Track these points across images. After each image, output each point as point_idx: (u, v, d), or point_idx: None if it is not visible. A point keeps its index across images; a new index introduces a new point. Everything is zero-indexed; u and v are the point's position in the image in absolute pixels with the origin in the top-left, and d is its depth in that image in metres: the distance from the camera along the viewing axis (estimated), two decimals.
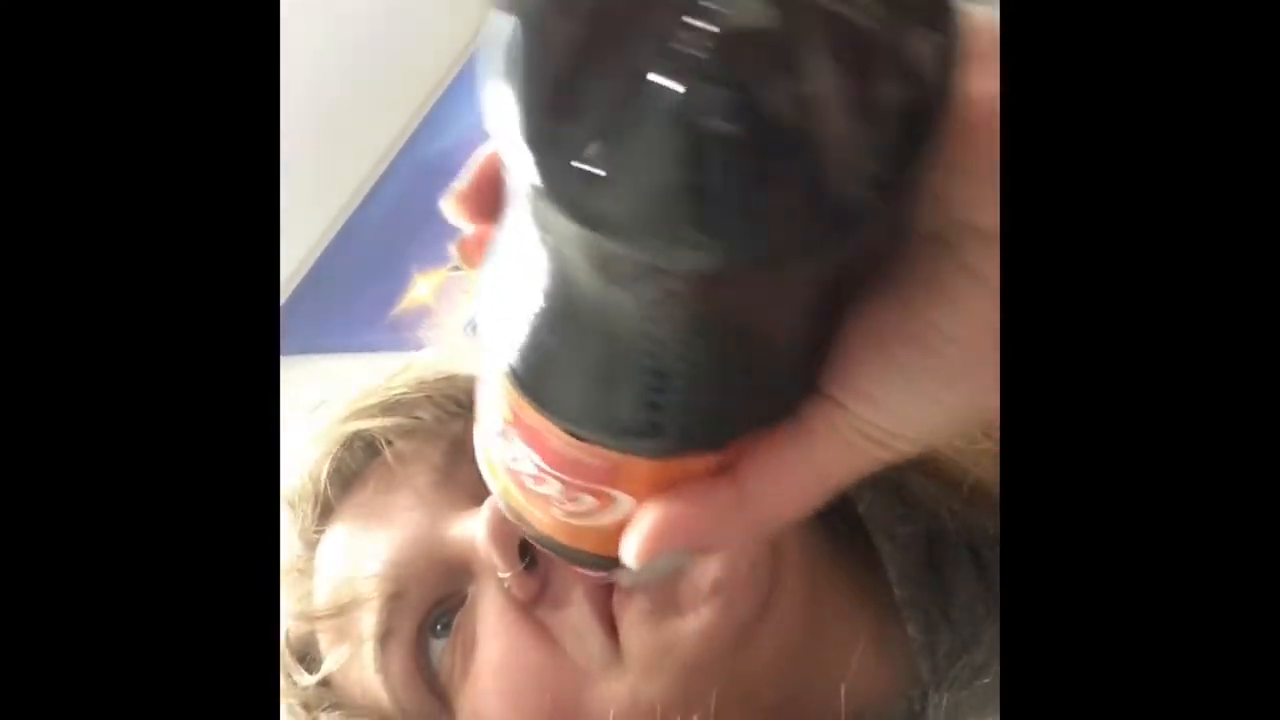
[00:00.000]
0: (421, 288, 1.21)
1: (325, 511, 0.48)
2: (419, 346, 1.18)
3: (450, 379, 0.50)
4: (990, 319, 0.23)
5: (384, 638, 0.42)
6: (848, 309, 0.24)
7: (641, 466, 0.26)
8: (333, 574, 0.45)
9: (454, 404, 0.48)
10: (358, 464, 0.48)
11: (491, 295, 0.25)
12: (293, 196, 1.39)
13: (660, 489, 0.26)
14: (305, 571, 0.47)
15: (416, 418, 0.47)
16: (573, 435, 0.25)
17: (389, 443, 0.47)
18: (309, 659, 0.46)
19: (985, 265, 0.23)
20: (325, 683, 0.45)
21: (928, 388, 0.24)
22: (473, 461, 0.46)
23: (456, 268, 1.13)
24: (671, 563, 0.27)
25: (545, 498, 0.28)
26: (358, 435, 0.48)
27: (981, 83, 0.21)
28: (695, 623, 0.39)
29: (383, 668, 0.42)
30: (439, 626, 0.43)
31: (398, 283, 1.20)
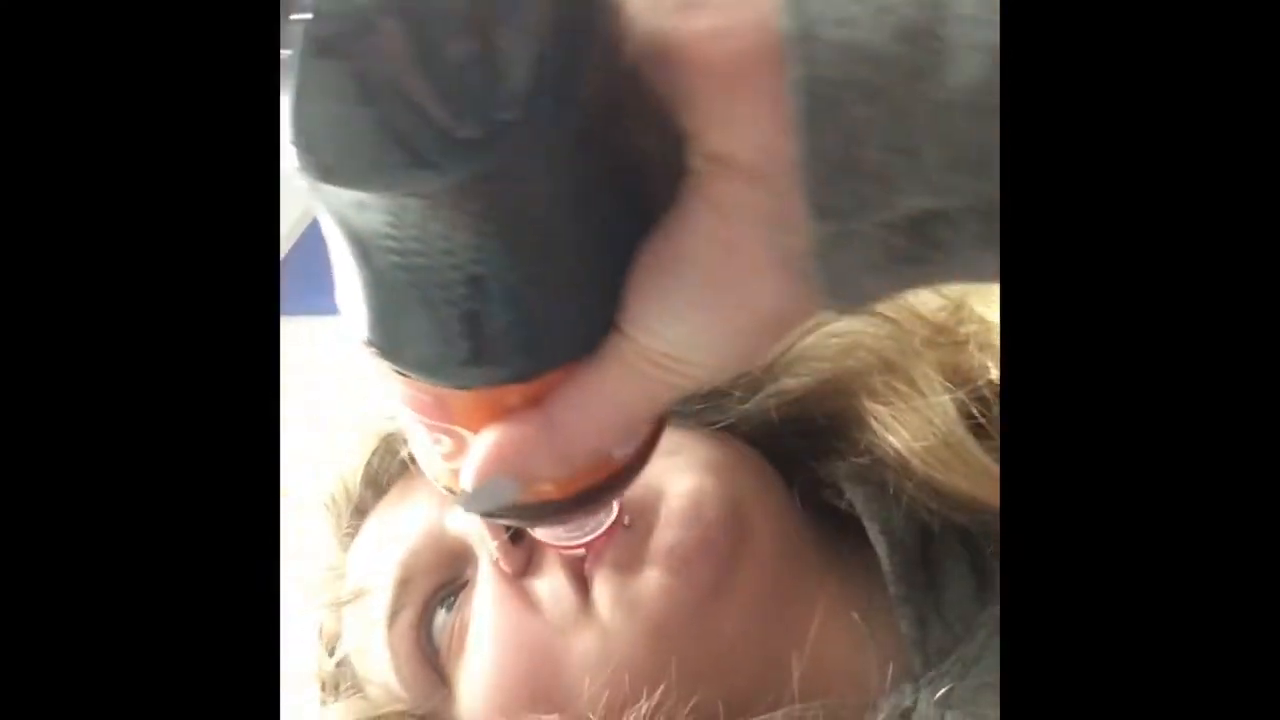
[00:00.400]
0: None
1: (357, 513, 0.52)
2: None
3: None
4: (724, 239, 0.25)
5: (392, 619, 0.46)
6: (635, 245, 0.26)
7: (461, 399, 0.28)
8: (360, 568, 0.49)
9: None
10: (386, 469, 0.52)
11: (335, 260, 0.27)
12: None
13: (487, 422, 0.29)
14: (341, 572, 0.51)
15: None
16: (402, 375, 0.28)
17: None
18: (336, 649, 0.51)
19: (716, 188, 0.25)
20: (345, 664, 0.49)
21: (687, 313, 0.26)
22: None
23: None
24: (504, 492, 0.30)
25: (425, 446, 0.31)
26: (385, 440, 0.51)
27: (693, 22, 0.24)
28: (653, 583, 0.42)
29: (390, 646, 0.46)
30: (443, 610, 0.46)
31: None
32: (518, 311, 0.26)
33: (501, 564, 0.44)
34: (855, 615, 0.44)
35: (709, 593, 0.42)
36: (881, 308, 0.45)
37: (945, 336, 0.45)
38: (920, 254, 0.25)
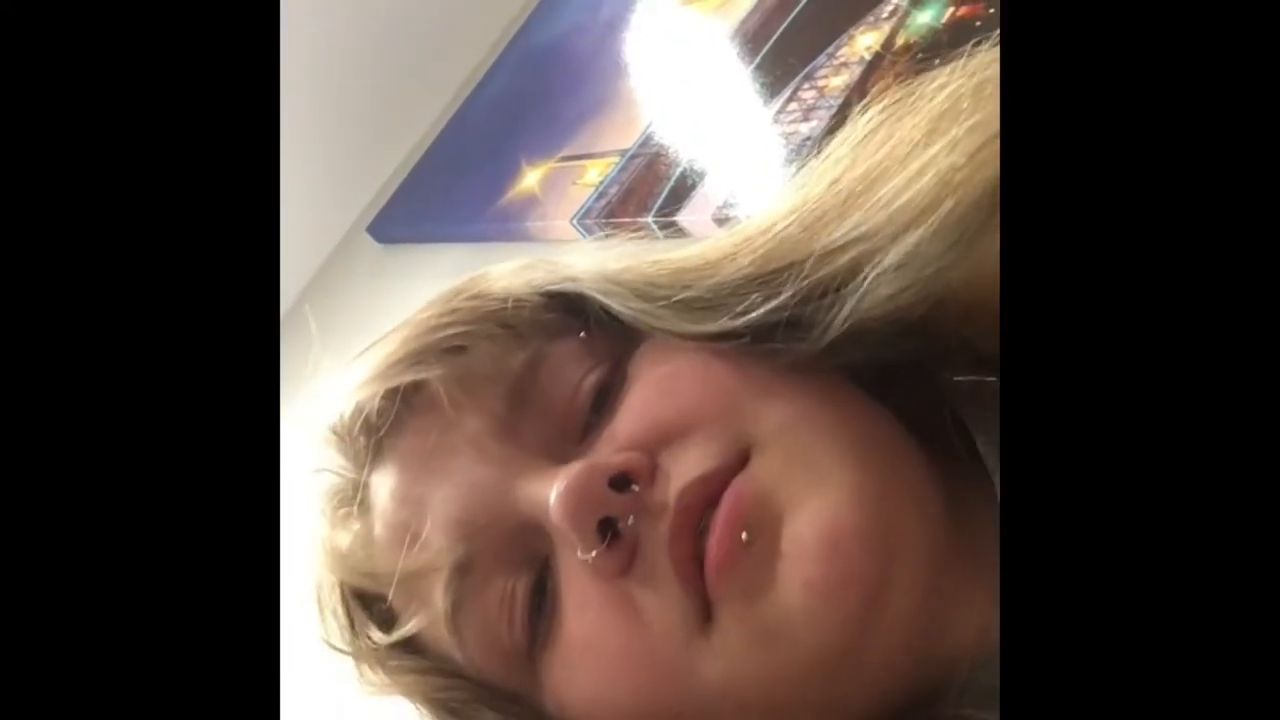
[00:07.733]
0: (529, 178, 1.21)
1: (377, 451, 0.44)
2: (525, 237, 1.19)
3: (506, 301, 0.46)
4: None
5: (455, 609, 0.40)
6: None
7: None
8: (391, 523, 0.43)
9: (509, 332, 0.45)
10: (409, 406, 0.44)
11: None
12: (403, 86, 1.40)
13: None
14: (361, 508, 0.45)
15: (468, 357, 0.44)
16: None
17: (442, 386, 0.43)
18: (379, 612, 0.45)
19: None
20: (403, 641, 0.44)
21: None
22: (538, 409, 0.43)
23: (564, 159, 1.14)
24: None
25: None
26: (409, 383, 0.44)
27: None
28: (790, 617, 0.37)
29: (456, 637, 0.41)
30: None
31: (506, 173, 1.21)
32: None
33: (599, 569, 0.39)
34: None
35: (857, 624, 0.37)
36: None
37: None
38: None
